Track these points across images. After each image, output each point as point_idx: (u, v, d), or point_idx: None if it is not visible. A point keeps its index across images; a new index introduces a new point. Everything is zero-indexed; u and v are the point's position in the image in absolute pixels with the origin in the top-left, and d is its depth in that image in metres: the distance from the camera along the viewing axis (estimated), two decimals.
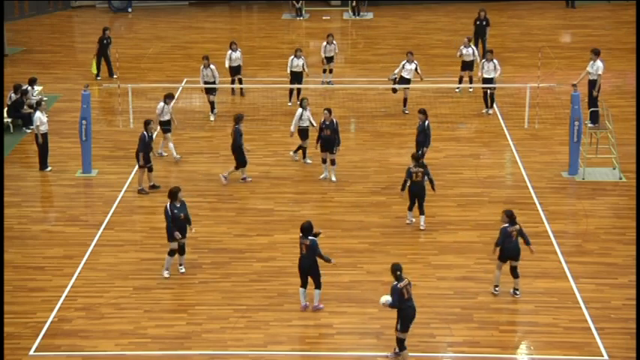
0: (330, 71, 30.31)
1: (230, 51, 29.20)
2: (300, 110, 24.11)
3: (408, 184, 20.86)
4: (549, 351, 16.84)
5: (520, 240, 18.20)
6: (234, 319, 17.77)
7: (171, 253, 18.98)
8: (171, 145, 24.84)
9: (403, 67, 27.69)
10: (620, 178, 23.64)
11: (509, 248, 18.15)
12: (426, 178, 20.86)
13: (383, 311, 17.95)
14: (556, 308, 18.08)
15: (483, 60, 28.02)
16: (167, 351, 16.89)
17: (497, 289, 18.54)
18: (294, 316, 17.90)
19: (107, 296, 18.58)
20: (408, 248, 20.41)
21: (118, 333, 17.39)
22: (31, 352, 16.86)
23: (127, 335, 17.32)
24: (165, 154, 25.03)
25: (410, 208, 21.14)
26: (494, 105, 28.32)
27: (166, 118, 24.78)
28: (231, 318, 17.80)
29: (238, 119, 23.33)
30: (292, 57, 28.32)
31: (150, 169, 23.12)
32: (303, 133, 24.30)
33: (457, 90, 29.64)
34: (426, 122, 23.46)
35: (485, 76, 27.70)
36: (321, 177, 23.59)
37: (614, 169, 23.95)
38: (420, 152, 22.99)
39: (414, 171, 20.74)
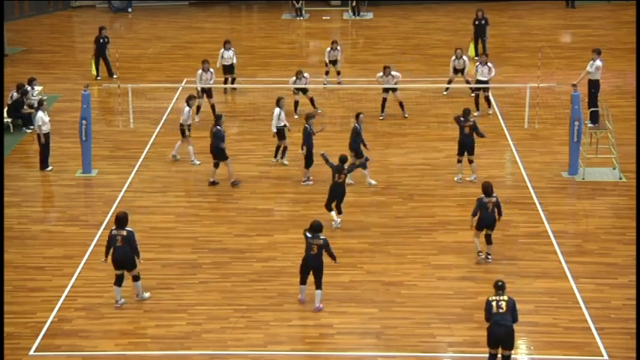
0: (338, 73, 30.29)
1: (223, 49, 29.15)
2: (277, 110, 24.10)
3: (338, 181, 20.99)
4: (549, 351, 16.84)
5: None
6: (234, 319, 17.77)
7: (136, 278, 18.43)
8: (190, 148, 24.79)
9: (383, 81, 27.36)
10: (620, 178, 23.64)
11: (485, 218, 19.24)
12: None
13: (383, 311, 18.00)
14: (556, 308, 18.08)
15: (477, 63, 27.84)
16: (167, 351, 16.89)
17: (480, 254, 19.70)
18: (294, 316, 17.91)
19: (107, 296, 18.57)
20: (408, 248, 20.41)
21: (118, 333, 17.39)
22: (31, 352, 16.87)
23: (127, 335, 17.33)
24: (179, 157, 24.97)
25: (328, 208, 21.08)
26: (495, 105, 28.30)
27: (190, 122, 24.72)
28: (231, 318, 17.80)
29: (308, 118, 23.32)
30: (294, 79, 27.56)
31: (216, 165, 23.31)
32: (280, 133, 24.30)
33: (445, 93, 29.53)
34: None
35: (479, 78, 27.59)
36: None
37: (614, 169, 23.95)
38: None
39: (339, 172, 20.87)
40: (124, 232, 17.98)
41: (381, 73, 27.28)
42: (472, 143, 23.11)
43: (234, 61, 29.38)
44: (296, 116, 27.45)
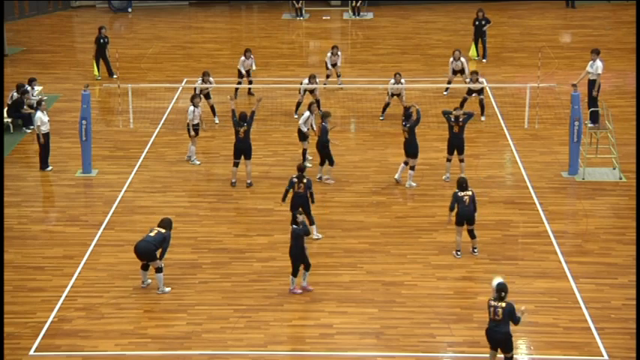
0: (338, 75, 30.23)
1: (243, 58, 29.01)
2: (307, 113, 24.01)
3: (289, 194, 20.51)
4: (549, 351, 16.85)
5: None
6: (234, 319, 17.78)
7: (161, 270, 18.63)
8: (193, 147, 24.76)
9: (393, 89, 27.30)
10: (620, 178, 23.64)
11: (462, 213, 19.50)
12: (307, 190, 20.39)
13: (383, 311, 18.01)
14: (556, 308, 18.09)
15: (469, 80, 27.52)
16: (167, 351, 16.90)
17: (458, 253, 19.86)
18: (294, 316, 17.92)
19: (107, 296, 18.59)
20: (408, 248, 20.42)
21: (118, 333, 17.39)
22: (31, 352, 16.87)
23: (127, 335, 17.33)
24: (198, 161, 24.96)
25: (293, 222, 20.18)
26: (495, 105, 28.29)
27: (197, 121, 24.65)
28: (231, 318, 17.81)
29: (324, 116, 23.25)
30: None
31: (237, 165, 23.27)
32: (304, 135, 24.18)
33: (445, 93, 29.54)
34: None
35: (471, 86, 27.46)
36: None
37: (614, 169, 23.95)
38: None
39: (296, 181, 20.36)
40: (163, 231, 18.37)
41: (393, 81, 27.27)
42: (462, 142, 23.12)
43: (254, 67, 29.27)
44: (295, 116, 27.44)
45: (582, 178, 23.62)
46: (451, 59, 29.01)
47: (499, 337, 15.56)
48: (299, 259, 18.30)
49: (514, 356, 15.92)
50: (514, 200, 22.56)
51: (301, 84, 27.54)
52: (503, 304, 15.50)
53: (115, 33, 37.43)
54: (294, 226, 18.30)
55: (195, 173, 24.32)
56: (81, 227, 21.56)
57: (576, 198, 22.80)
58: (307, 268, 18.46)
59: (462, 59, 28.90)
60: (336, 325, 17.58)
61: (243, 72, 29.06)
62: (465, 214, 19.53)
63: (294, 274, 18.45)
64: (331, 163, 23.34)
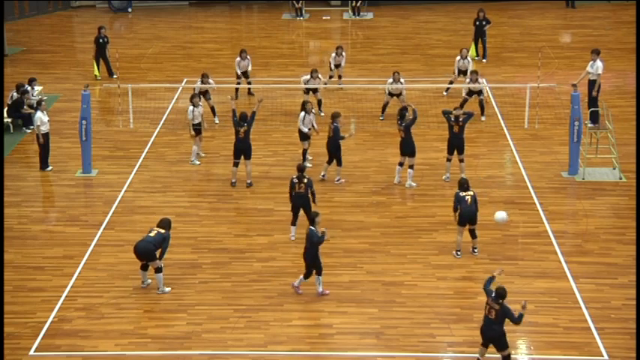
0: (340, 77, 30.22)
1: (239, 59, 29.02)
2: (302, 113, 23.99)
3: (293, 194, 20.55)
4: (549, 351, 16.86)
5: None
6: (234, 319, 17.78)
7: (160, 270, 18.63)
8: (195, 147, 24.74)
9: (392, 89, 27.29)
10: (620, 178, 23.64)
11: (465, 213, 19.48)
12: (308, 190, 20.42)
13: (383, 311, 18.01)
14: (556, 308, 18.09)
15: (468, 80, 27.52)
16: (167, 351, 16.90)
17: (458, 253, 19.88)
18: (294, 316, 17.92)
19: (107, 296, 18.59)
20: (408, 248, 20.42)
21: (118, 333, 17.40)
22: (31, 352, 16.87)
23: (127, 335, 17.33)
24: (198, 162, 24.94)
25: (293, 223, 20.64)
26: (495, 105, 28.29)
27: (197, 120, 24.63)
28: (231, 318, 17.81)
29: (335, 116, 23.20)
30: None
31: (236, 165, 23.26)
32: (305, 135, 24.13)
33: (445, 93, 29.54)
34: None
35: (471, 86, 27.45)
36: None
37: (614, 169, 23.95)
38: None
39: (296, 182, 20.38)
40: (163, 231, 18.37)
41: (391, 80, 27.25)
42: (462, 142, 23.12)
43: (250, 68, 29.26)
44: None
45: (582, 178, 23.62)
46: (458, 57, 29.02)
47: (492, 334, 15.79)
48: (312, 261, 18.22)
49: (512, 355, 15.95)
50: (514, 200, 22.56)
51: (302, 81, 27.50)
52: (497, 307, 15.66)
53: (115, 33, 37.44)
54: (312, 228, 18.16)
55: (195, 173, 24.32)
56: (81, 227, 21.56)
57: (576, 198, 22.80)
58: (319, 272, 18.34)
59: (469, 58, 28.93)
60: (336, 325, 17.59)
61: (239, 73, 29.04)
62: (467, 215, 19.54)
63: (307, 276, 18.37)
64: (339, 163, 23.32)
